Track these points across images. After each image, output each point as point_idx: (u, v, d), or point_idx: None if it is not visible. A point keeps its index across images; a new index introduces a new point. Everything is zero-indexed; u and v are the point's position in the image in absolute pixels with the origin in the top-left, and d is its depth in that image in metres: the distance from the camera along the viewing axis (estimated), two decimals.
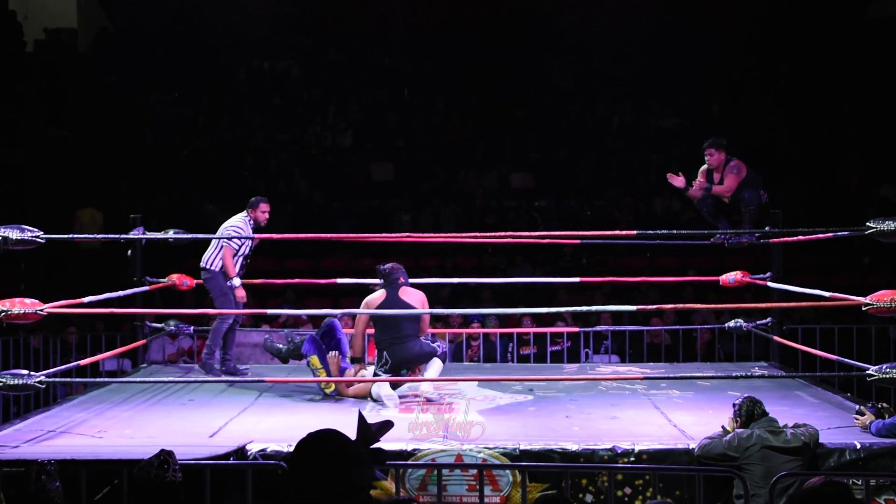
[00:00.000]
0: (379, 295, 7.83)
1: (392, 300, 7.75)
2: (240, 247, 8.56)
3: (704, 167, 8.79)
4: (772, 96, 16.76)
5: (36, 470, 4.45)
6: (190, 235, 8.90)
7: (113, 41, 18.68)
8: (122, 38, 18.61)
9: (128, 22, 18.82)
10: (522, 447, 6.17)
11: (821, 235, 8.02)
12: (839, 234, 7.72)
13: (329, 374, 7.91)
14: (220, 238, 8.52)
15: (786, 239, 8.96)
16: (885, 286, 7.10)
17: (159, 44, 18.09)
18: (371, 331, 8.07)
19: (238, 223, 8.56)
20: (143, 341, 9.30)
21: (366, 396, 7.79)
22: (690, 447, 6.14)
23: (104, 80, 17.34)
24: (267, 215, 8.62)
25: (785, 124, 16.19)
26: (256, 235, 8.50)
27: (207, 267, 8.62)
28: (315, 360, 7.94)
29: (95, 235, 8.44)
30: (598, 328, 10.38)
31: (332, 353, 8.03)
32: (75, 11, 18.50)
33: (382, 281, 7.92)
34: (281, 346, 8.43)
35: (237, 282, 8.50)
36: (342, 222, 14.69)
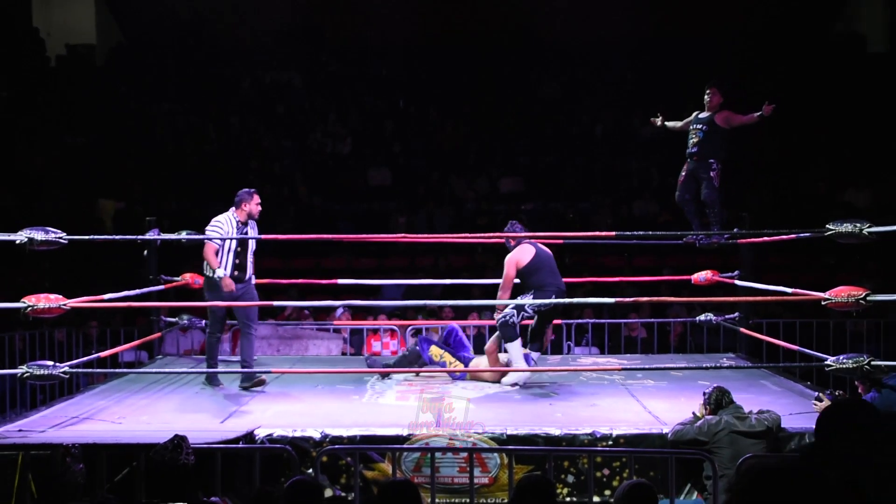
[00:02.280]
0: (526, 248, 7.91)
1: (540, 251, 7.93)
2: (221, 243, 7.81)
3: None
4: (745, 106, 16.81)
5: (61, 453, 4.55)
6: (202, 236, 8.89)
7: (127, 54, 18.72)
8: (136, 51, 18.65)
9: (141, 37, 18.86)
10: (510, 432, 6.27)
11: (784, 237, 8.13)
12: (801, 235, 7.82)
13: (453, 356, 8.25)
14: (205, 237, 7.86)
15: (753, 240, 9.05)
16: (848, 284, 7.18)
17: (170, 57, 18.11)
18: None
19: (219, 219, 7.89)
20: (159, 334, 9.38)
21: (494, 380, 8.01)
22: (664, 432, 6.24)
23: (119, 91, 17.38)
24: (259, 206, 7.95)
25: (756, 133, 16.27)
26: (263, 236, 8.38)
27: (204, 273, 8.00)
28: (434, 349, 8.32)
29: (114, 237, 8.48)
30: (580, 321, 10.48)
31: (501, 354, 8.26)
32: (94, 28, 18.54)
33: (513, 240, 8.02)
34: (388, 361, 8.76)
35: (221, 272, 7.73)
36: (342, 224, 14.74)
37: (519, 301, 7.74)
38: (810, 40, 17.94)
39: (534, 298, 7.72)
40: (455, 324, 8.83)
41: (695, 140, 8.50)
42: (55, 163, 15.74)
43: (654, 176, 15.75)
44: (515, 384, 7.86)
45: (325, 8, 18.67)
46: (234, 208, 7.95)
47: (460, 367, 8.21)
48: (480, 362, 8.24)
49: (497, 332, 8.00)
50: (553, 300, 7.73)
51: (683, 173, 8.57)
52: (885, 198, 14.71)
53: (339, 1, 18.54)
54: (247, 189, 8.05)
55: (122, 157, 15.98)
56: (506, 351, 7.91)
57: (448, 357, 8.25)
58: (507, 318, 7.77)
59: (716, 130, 8.48)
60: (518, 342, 7.81)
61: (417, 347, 8.45)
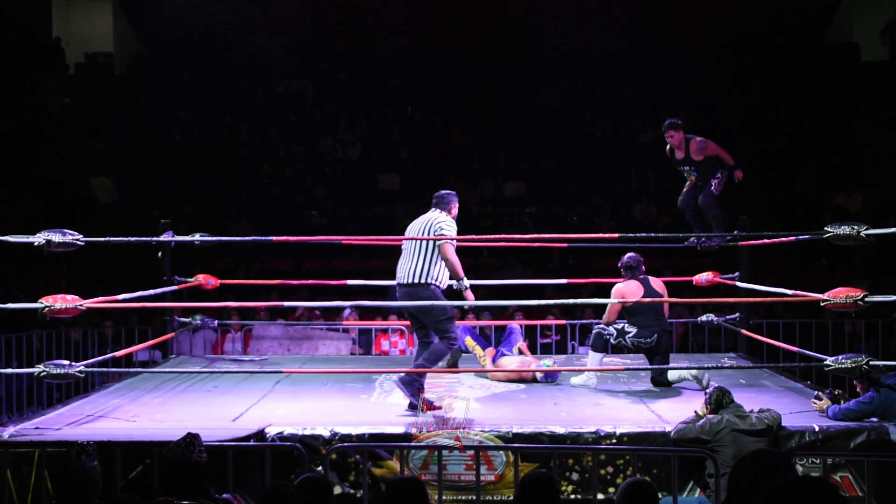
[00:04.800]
0: (636, 286, 7.66)
1: (650, 291, 7.64)
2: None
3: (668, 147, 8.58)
4: (740, 113, 16.78)
5: (76, 450, 4.44)
6: (215, 238, 8.80)
7: (145, 64, 18.71)
8: (154, 61, 18.64)
9: (158, 47, 18.87)
10: (515, 430, 6.15)
11: (784, 239, 8.02)
12: (801, 237, 7.71)
13: (483, 349, 8.13)
14: (430, 239, 6.71)
15: (753, 242, 8.94)
16: (841, 284, 7.09)
17: (186, 67, 18.11)
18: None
19: (449, 219, 6.77)
20: (172, 334, 9.27)
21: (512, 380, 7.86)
22: (667, 431, 6.12)
23: (137, 99, 17.36)
24: None
25: (751, 139, 16.20)
26: (272, 238, 8.24)
27: (422, 280, 6.70)
28: (468, 340, 8.21)
29: (129, 238, 8.36)
30: (584, 322, 10.36)
31: (489, 349, 8.24)
32: (111, 37, 18.53)
33: (626, 271, 7.77)
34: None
35: (467, 282, 6.71)
36: (352, 227, 14.67)
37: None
38: (803, 50, 17.88)
39: (636, 335, 7.61)
40: (515, 324, 8.65)
41: (692, 179, 8.47)
42: (76, 168, 15.69)
43: (651, 180, 15.68)
44: (585, 386, 7.69)
45: (335, 20, 18.66)
46: (440, 210, 6.89)
47: (487, 360, 8.10)
48: (504, 362, 8.11)
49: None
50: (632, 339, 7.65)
51: (689, 183, 8.53)
52: (873, 202, 14.62)
53: (348, 13, 18.52)
54: (450, 190, 7.09)
55: (140, 163, 15.94)
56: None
57: (479, 350, 8.17)
58: (604, 332, 7.67)
59: (702, 163, 8.38)
60: (601, 356, 7.72)
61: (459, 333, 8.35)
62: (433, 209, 6.89)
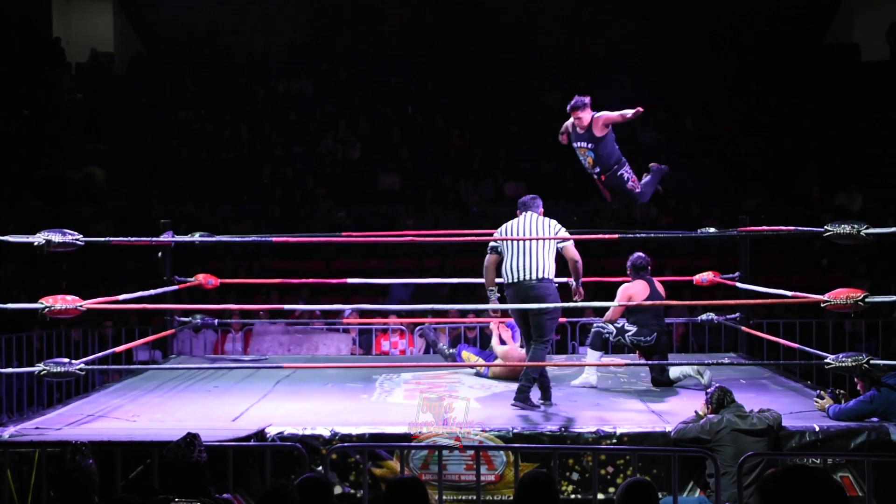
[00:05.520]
0: (642, 286, 7.74)
1: (654, 292, 7.71)
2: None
3: (569, 122, 8.04)
4: (740, 113, 16.77)
5: (70, 450, 4.44)
6: (215, 238, 8.78)
7: (146, 64, 18.70)
8: (155, 61, 18.64)
9: (159, 47, 18.86)
10: (515, 430, 6.16)
11: (783, 228, 8.06)
12: (800, 229, 7.73)
13: (484, 359, 8.21)
14: (550, 238, 6.98)
15: (753, 229, 8.78)
16: (841, 285, 7.08)
17: (187, 66, 18.10)
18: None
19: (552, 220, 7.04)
20: (172, 331, 9.23)
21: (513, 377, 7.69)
22: (667, 430, 6.12)
23: (138, 99, 17.35)
24: None
25: (752, 139, 16.18)
26: (272, 239, 8.24)
27: (543, 276, 6.92)
28: (465, 353, 8.35)
29: (130, 239, 8.34)
30: (584, 321, 10.34)
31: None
32: (112, 37, 18.53)
33: (634, 271, 7.83)
34: (442, 346, 8.71)
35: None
36: (352, 227, 14.64)
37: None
38: (803, 50, 17.87)
39: (635, 333, 7.67)
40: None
41: (590, 161, 7.77)
42: (77, 168, 15.68)
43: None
44: (586, 385, 7.71)
45: (335, 20, 18.65)
46: (534, 212, 7.16)
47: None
48: (509, 353, 8.09)
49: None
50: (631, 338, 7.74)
51: (604, 190, 7.86)
52: (873, 202, 14.60)
53: (349, 13, 18.51)
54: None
55: (141, 163, 15.94)
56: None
57: (475, 358, 8.22)
58: (604, 331, 7.70)
59: (601, 141, 7.79)
60: (599, 353, 7.78)
61: (454, 350, 8.47)
62: (527, 212, 7.14)
